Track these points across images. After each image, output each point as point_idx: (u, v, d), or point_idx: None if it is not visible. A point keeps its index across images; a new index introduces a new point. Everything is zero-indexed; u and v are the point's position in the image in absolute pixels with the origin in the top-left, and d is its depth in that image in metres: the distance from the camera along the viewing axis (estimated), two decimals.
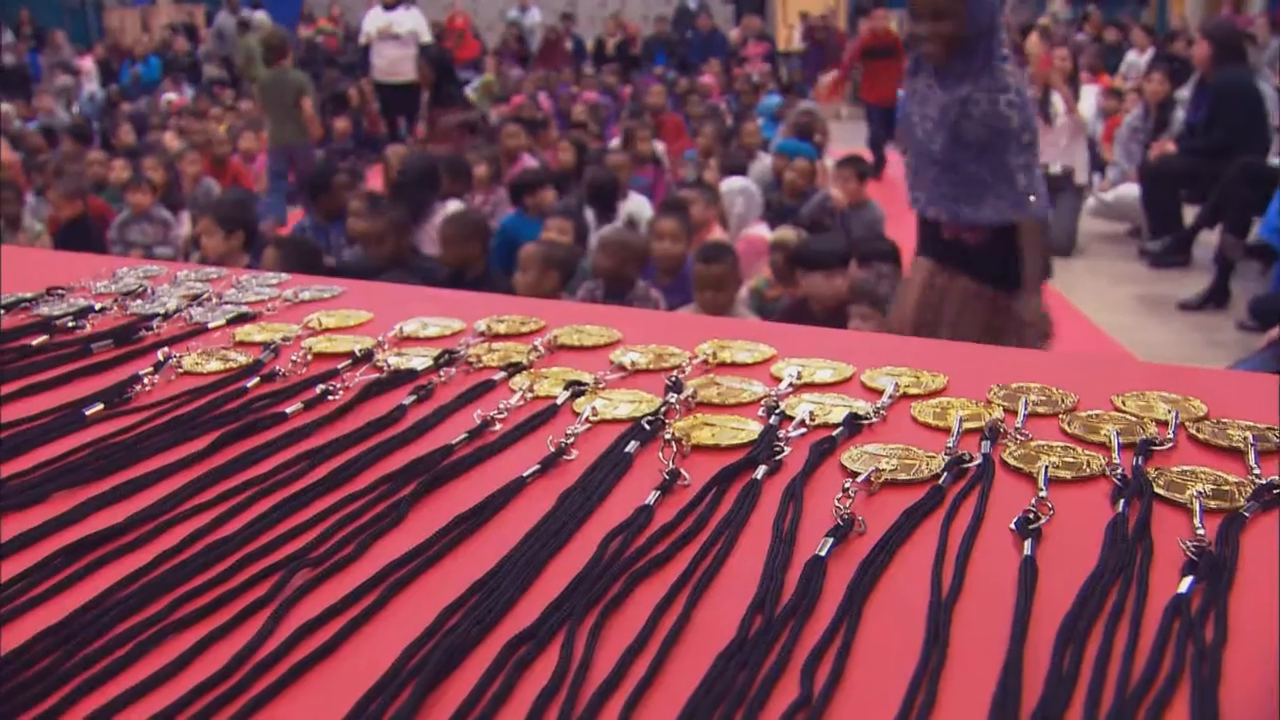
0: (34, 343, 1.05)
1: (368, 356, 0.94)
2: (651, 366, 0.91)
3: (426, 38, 10.13)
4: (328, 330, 1.03)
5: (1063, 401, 0.83)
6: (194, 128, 9.10)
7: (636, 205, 5.85)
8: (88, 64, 14.64)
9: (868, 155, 8.73)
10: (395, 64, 9.68)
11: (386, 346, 0.97)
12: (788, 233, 5.41)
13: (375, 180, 7.39)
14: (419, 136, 8.70)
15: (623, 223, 5.61)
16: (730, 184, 6.20)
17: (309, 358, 0.95)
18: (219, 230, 4.70)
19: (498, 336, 1.00)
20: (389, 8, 9.56)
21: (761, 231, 5.83)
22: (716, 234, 5.41)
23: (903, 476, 0.70)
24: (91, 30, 16.42)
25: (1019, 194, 3.22)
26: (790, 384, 0.86)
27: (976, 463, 0.72)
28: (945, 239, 3.39)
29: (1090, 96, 7.67)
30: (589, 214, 5.74)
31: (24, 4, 16.43)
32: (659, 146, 7.76)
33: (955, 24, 3.10)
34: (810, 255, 4.61)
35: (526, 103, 9.79)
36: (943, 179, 3.32)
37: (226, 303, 1.14)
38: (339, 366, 0.92)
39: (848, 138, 11.40)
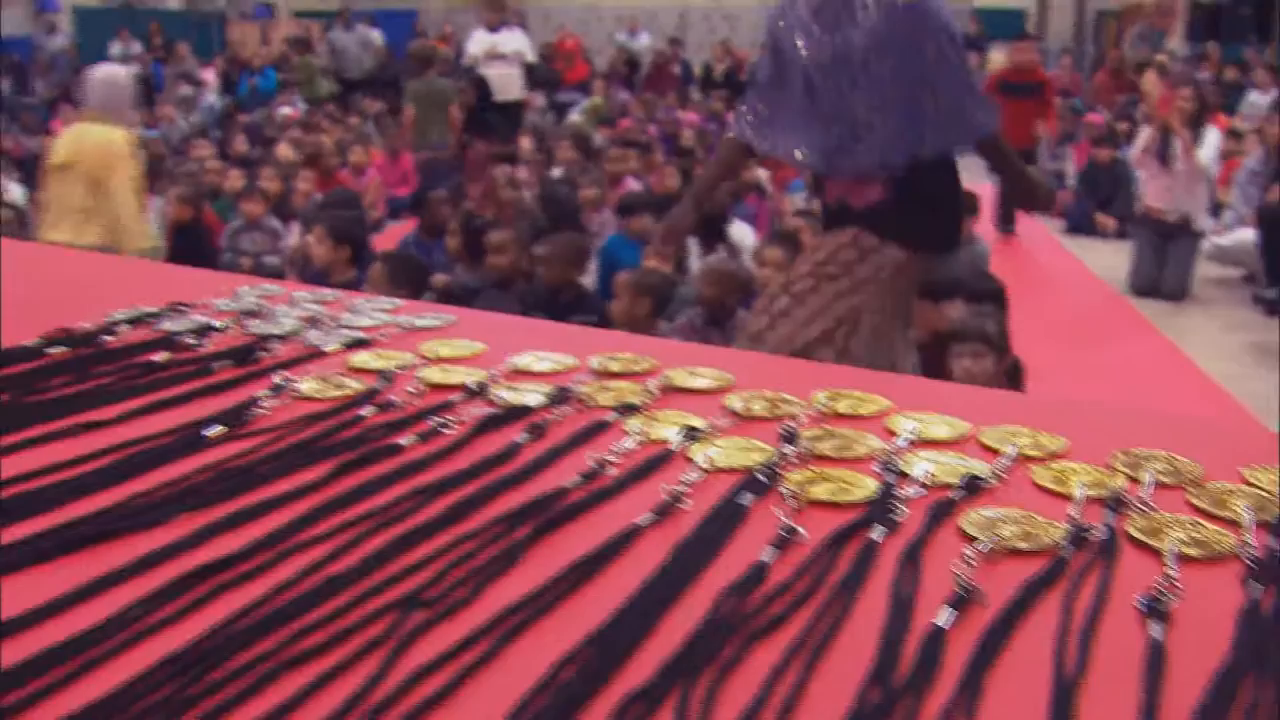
0: (157, 358, 1.07)
1: (482, 390, 0.95)
2: (765, 414, 0.90)
3: (530, 58, 10.30)
4: (442, 360, 1.04)
5: (1188, 472, 0.81)
6: (306, 140, 9.31)
7: (740, 233, 5.85)
8: (209, 75, 15.07)
9: (976, 195, 8.35)
10: (501, 83, 9.84)
11: (500, 380, 0.98)
12: None
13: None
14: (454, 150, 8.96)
15: (725, 250, 5.61)
16: None
17: (423, 388, 0.95)
18: (328, 240, 4.81)
19: (611, 375, 1.00)
20: (493, 29, 9.73)
21: None
22: None
23: (1023, 545, 0.69)
24: (214, 43, 16.90)
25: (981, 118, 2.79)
26: (907, 440, 0.85)
27: (1100, 535, 0.70)
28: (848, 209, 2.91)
29: (1213, 139, 7.46)
30: (691, 240, 5.75)
31: (155, 18, 16.96)
32: (763, 174, 7.75)
33: None
34: (921, 284, 4.56)
35: (633, 126, 9.85)
36: (833, 127, 2.81)
37: (342, 327, 1.16)
38: (453, 399, 0.93)
39: None
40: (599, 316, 4.85)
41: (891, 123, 2.76)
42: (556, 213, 5.78)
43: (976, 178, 10.57)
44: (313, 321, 1.17)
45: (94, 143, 4.87)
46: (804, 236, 5.33)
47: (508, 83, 9.78)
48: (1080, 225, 9.26)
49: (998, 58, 17.12)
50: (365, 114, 11.53)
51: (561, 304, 4.83)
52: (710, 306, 4.56)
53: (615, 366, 1.01)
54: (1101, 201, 9.28)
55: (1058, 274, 8.15)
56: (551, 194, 6.21)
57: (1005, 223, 8.83)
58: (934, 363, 4.11)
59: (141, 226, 5.13)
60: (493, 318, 1.22)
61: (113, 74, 5.39)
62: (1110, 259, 8.15)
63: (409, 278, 4.19)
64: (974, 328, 3.83)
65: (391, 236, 7.44)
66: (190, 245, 6.60)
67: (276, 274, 6.70)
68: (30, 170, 9.13)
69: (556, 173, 7.43)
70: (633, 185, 7.08)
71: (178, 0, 19.67)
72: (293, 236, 7.04)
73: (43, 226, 4.96)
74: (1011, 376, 3.95)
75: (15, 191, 8.06)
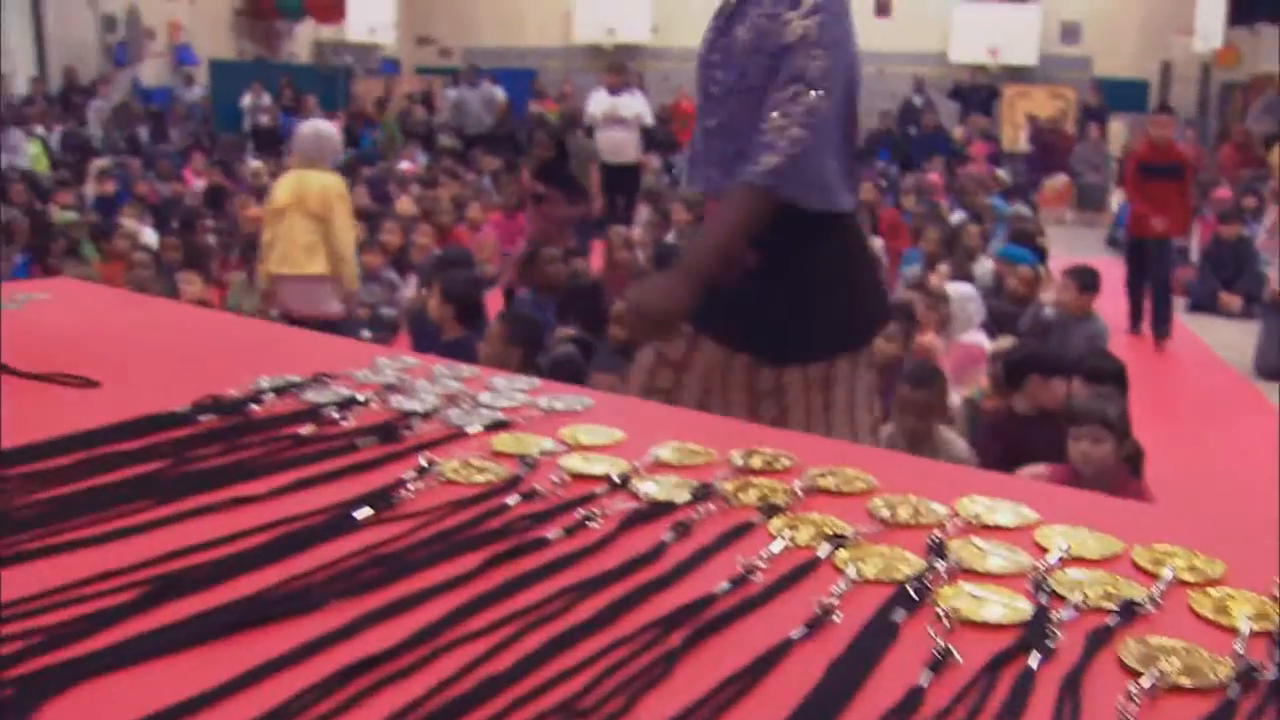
0: (303, 431, 1.10)
1: (624, 482, 0.95)
2: (911, 522, 0.89)
3: (649, 121, 10.44)
4: (582, 447, 1.05)
5: None
6: (426, 195, 9.51)
7: None
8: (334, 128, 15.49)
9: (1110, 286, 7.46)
10: (619, 145, 9.99)
11: (642, 472, 0.98)
12: (1008, 343, 5.30)
13: (597, 259, 7.54)
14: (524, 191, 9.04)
15: None
16: (958, 290, 6.10)
17: (566, 478, 0.96)
18: (439, 295, 4.94)
19: (751, 471, 1.00)
20: (614, 92, 9.89)
21: (980, 340, 5.72)
22: (931, 339, 5.33)
23: (1187, 682, 0.67)
24: (340, 97, 17.39)
25: (762, 155, 2.21)
26: (1059, 558, 0.83)
27: (1270, 675, 0.67)
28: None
29: None
30: None
31: (285, 72, 17.54)
32: (877, 243, 7.71)
33: None
34: (1032, 357, 4.49)
35: None
36: (713, 140, 2.41)
37: (482, 406, 1.17)
38: (596, 490, 0.93)
39: (1070, 243, 11.12)
40: None
41: (757, 138, 2.29)
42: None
43: (1093, 252, 10.29)
44: (453, 400, 1.19)
45: (315, 186, 5.66)
46: (918, 311, 5.28)
47: (626, 145, 9.93)
48: (1203, 303, 9.03)
49: (1119, 128, 16.90)
50: (483, 170, 11.74)
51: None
52: None
53: (756, 463, 1.01)
54: (1226, 279, 9.06)
55: (1179, 353, 7.95)
56: (668, 257, 6.21)
57: (1160, 325, 8.11)
58: (1044, 441, 4.03)
59: (354, 260, 5.95)
60: (629, 403, 1.23)
61: (320, 127, 6.26)
62: (1235, 338, 7.93)
63: (525, 337, 4.23)
64: (1093, 410, 3.73)
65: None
66: None
67: (392, 326, 6.83)
68: (164, 215, 9.46)
69: (671, 236, 7.46)
70: None
71: (307, 55, 20.32)
72: (409, 289, 7.17)
73: (268, 262, 5.75)
74: (1131, 461, 3.85)
75: (149, 235, 8.33)
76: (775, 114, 2.23)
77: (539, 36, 20.76)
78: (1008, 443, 4.26)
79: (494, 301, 6.40)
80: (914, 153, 14.87)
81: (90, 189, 10.58)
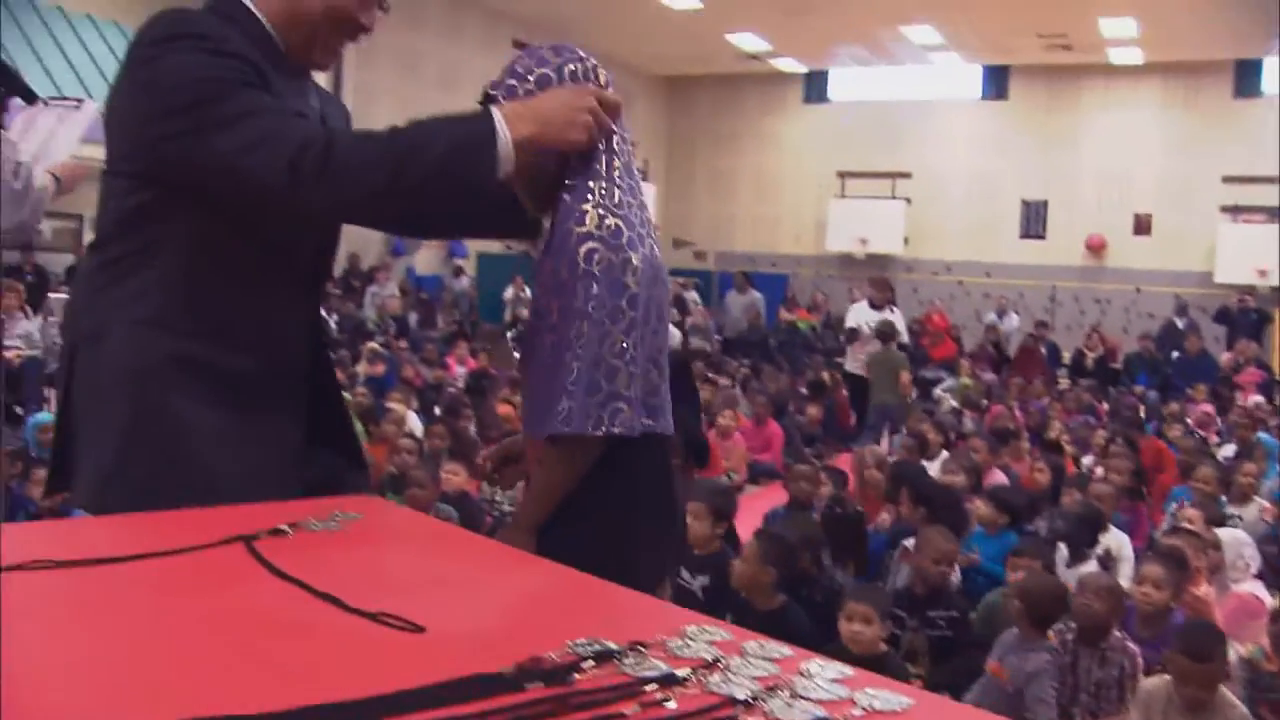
0: (627, 713, 1.12)
1: None
2: None
3: (905, 338, 10.49)
4: None
5: None
6: None
7: (1117, 542, 5.56)
8: None
9: None
10: None
11: None
12: None
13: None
14: None
15: (1096, 561, 5.34)
16: (1231, 535, 5.78)
17: None
18: (707, 517, 4.91)
19: None
20: (876, 307, 10.00)
21: (1257, 591, 5.37)
22: (1204, 590, 5.02)
23: None
24: None
25: (561, 395, 2.22)
26: None
27: None
28: None
29: None
30: (1061, 547, 5.52)
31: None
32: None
33: (526, 180, 2.26)
34: None
35: (1001, 413, 9.70)
36: (523, 371, 2.43)
37: (800, 697, 1.17)
38: None
39: None
40: (959, 613, 4.72)
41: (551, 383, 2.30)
42: (929, 500, 5.68)
43: None
44: (771, 690, 1.18)
45: None
46: (1189, 556, 5.01)
47: None
48: None
49: None
50: (734, 376, 11.92)
51: (923, 599, 4.75)
52: (1088, 622, 4.32)
53: None
54: None
55: None
56: (920, 483, 6.10)
57: None
58: None
59: None
60: (947, 707, 1.21)
61: None
62: None
63: (781, 560, 4.22)
64: None
65: (750, 502, 7.52)
66: None
67: None
68: (429, 401, 9.92)
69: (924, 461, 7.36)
70: (1000, 476, 6.91)
71: None
72: None
73: None
74: None
75: (414, 420, 8.69)
76: (563, 352, 2.23)
77: (792, 244, 21.26)
78: None
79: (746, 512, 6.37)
80: (1175, 378, 14.31)
81: (362, 369, 11.21)
